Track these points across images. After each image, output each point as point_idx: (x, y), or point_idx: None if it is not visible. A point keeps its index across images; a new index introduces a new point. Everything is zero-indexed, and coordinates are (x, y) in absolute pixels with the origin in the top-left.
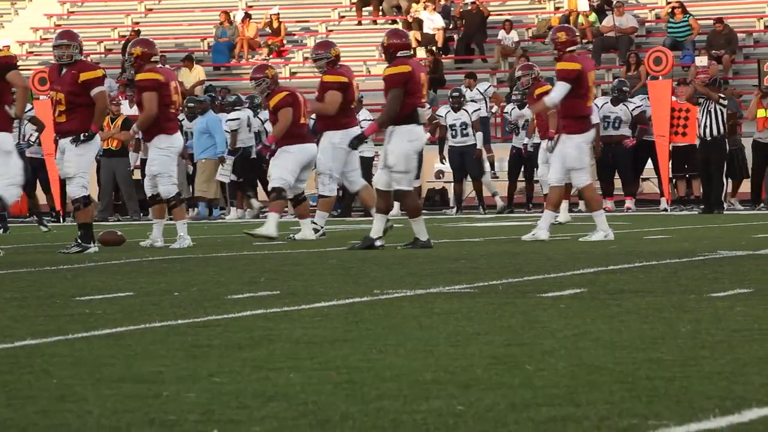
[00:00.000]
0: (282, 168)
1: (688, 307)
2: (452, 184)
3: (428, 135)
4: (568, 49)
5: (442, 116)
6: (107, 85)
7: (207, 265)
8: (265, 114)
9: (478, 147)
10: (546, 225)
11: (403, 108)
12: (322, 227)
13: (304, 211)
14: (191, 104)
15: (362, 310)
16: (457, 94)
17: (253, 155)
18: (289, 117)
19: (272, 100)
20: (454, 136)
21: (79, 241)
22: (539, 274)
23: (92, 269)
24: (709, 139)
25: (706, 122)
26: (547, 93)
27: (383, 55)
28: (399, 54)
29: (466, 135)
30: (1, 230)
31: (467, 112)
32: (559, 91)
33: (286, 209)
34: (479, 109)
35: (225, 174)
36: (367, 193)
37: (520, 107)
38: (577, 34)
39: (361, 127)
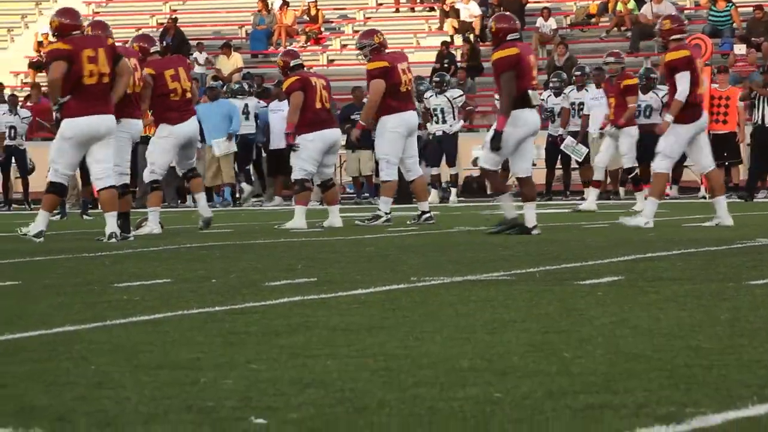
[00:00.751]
0: (300, 159)
1: (727, 294)
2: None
3: (538, 119)
4: (674, 37)
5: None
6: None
7: (245, 252)
8: (276, 104)
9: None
10: (651, 212)
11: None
12: (387, 213)
13: (333, 197)
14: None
15: (399, 297)
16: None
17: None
18: (298, 101)
19: (284, 84)
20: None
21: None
22: (576, 262)
23: (130, 256)
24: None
25: (763, 110)
26: (634, 86)
27: (492, 39)
28: (508, 38)
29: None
30: (60, 216)
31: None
32: (684, 83)
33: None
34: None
35: (221, 148)
36: (420, 183)
37: (557, 95)
38: (685, 21)
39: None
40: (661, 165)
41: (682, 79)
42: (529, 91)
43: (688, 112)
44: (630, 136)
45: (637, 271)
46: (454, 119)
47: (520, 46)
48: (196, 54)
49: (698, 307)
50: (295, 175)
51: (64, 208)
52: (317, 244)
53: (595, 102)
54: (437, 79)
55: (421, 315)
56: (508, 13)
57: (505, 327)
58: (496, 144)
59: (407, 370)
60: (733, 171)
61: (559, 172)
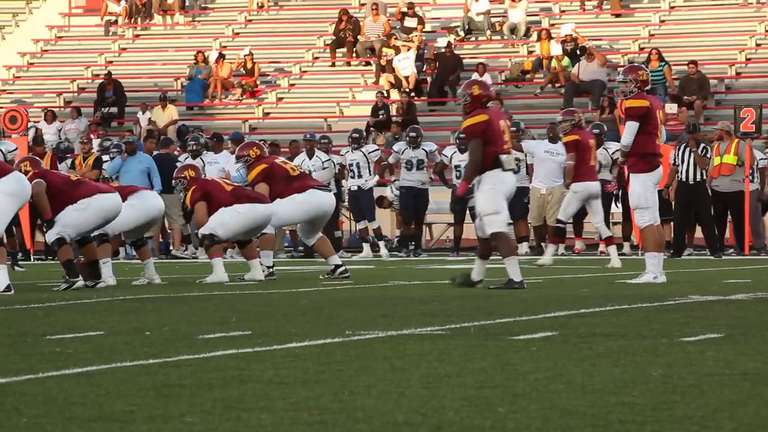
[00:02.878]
0: (218, 221)
1: (660, 351)
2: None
3: (514, 180)
4: (646, 88)
5: (447, 156)
6: (80, 122)
7: (179, 305)
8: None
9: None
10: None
11: (485, 158)
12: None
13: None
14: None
15: (334, 350)
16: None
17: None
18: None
19: (249, 176)
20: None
21: (67, 277)
22: (511, 317)
23: (63, 308)
24: (692, 183)
25: (688, 166)
26: (569, 143)
27: (468, 104)
28: (488, 105)
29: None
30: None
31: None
32: (630, 131)
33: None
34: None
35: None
36: (319, 243)
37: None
38: (649, 73)
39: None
40: (642, 219)
41: (629, 129)
42: (502, 156)
43: (647, 161)
44: (571, 191)
45: (571, 327)
46: (370, 174)
47: (491, 112)
48: (139, 114)
49: (631, 363)
50: (203, 230)
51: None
52: (251, 297)
53: (548, 155)
54: (355, 135)
55: (356, 369)
56: (483, 79)
57: (440, 381)
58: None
59: (342, 423)
60: (665, 228)
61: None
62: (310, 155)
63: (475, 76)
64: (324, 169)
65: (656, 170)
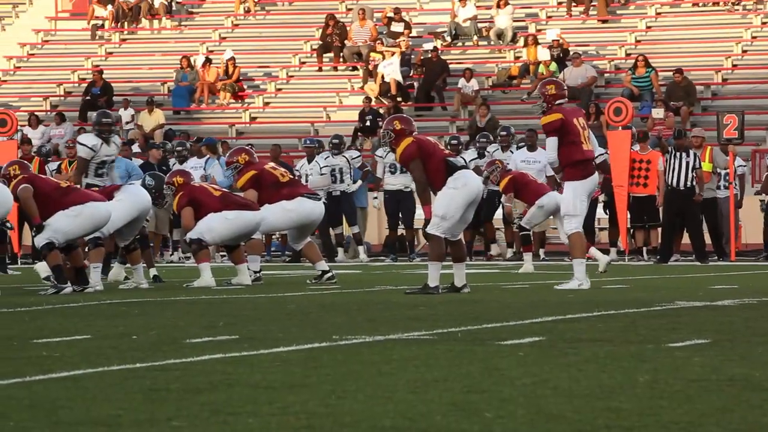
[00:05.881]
0: (206, 224)
1: (646, 356)
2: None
3: (476, 178)
4: (557, 102)
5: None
6: (65, 128)
7: (166, 309)
8: (195, 160)
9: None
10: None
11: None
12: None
13: (239, 256)
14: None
15: (321, 355)
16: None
17: None
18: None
19: (239, 182)
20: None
21: (55, 282)
22: (498, 322)
23: (50, 312)
24: (682, 189)
25: (678, 173)
26: (508, 183)
27: (395, 137)
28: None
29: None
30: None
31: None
32: (550, 146)
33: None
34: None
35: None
36: (307, 247)
37: (481, 155)
38: (565, 87)
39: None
40: (569, 226)
41: (550, 143)
42: (447, 159)
43: (579, 168)
44: (537, 206)
45: (557, 332)
46: (352, 179)
47: (415, 137)
48: (121, 111)
49: (618, 368)
50: (191, 235)
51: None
52: (239, 302)
53: (525, 165)
54: (335, 140)
55: (343, 373)
56: (404, 114)
57: (428, 386)
58: (426, 234)
59: (329, 428)
60: (653, 234)
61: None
62: (310, 160)
63: (461, 81)
64: (321, 175)
65: (589, 178)
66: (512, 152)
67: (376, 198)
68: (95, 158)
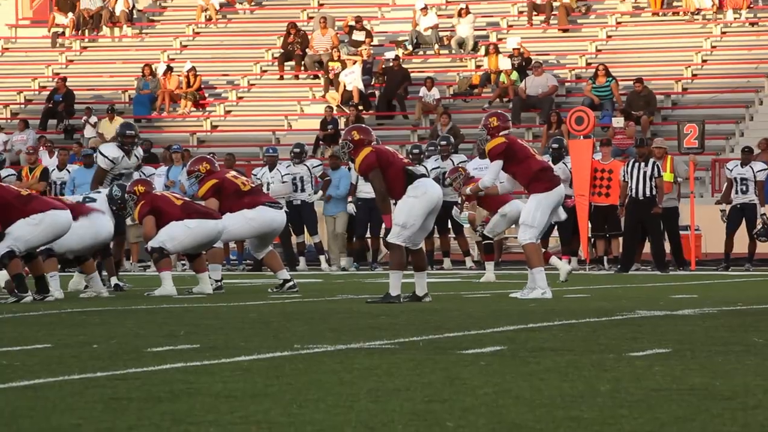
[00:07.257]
0: (168, 233)
1: (608, 365)
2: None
3: (436, 186)
4: (501, 134)
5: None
6: (27, 134)
7: (126, 318)
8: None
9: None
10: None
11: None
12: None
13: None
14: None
15: (282, 364)
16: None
17: None
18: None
19: (201, 190)
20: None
21: (16, 291)
22: (459, 331)
23: (10, 320)
24: (641, 198)
25: (638, 182)
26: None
27: (353, 148)
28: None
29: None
30: None
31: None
32: (492, 171)
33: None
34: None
35: None
36: (269, 256)
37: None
38: (509, 119)
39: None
40: (524, 236)
41: (492, 167)
42: (407, 168)
43: (543, 181)
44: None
45: (519, 342)
46: (313, 188)
47: (374, 146)
48: (85, 118)
49: (579, 377)
50: (153, 243)
51: None
52: (200, 311)
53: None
54: (296, 150)
55: (305, 382)
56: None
57: (389, 395)
58: (387, 243)
59: None
60: (614, 243)
61: (437, 242)
62: (271, 168)
63: (423, 90)
64: (283, 183)
65: (554, 190)
66: (452, 161)
67: (350, 203)
68: (114, 170)
